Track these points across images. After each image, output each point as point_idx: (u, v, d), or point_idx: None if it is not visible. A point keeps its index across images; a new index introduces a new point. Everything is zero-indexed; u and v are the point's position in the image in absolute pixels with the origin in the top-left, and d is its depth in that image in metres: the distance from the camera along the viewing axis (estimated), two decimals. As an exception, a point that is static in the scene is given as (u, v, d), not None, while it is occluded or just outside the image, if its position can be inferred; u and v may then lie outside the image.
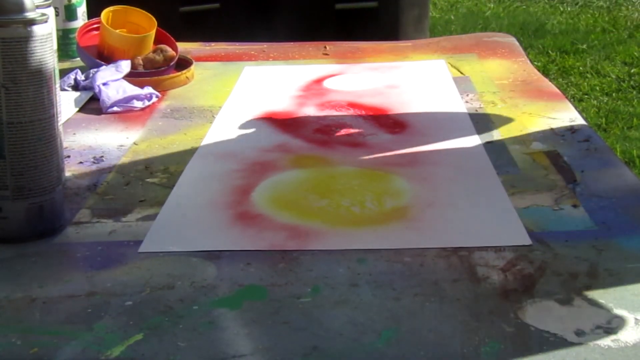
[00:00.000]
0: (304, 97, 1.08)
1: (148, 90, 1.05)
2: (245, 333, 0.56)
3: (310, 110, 1.03)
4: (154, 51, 1.16)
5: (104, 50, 1.16)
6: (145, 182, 0.82)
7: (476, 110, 1.01)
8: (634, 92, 3.52)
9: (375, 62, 1.24)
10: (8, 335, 0.55)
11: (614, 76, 3.71)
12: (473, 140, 0.91)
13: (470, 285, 0.61)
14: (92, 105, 1.04)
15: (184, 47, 1.24)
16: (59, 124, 0.70)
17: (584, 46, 4.10)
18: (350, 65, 1.23)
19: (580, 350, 0.53)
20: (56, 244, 0.69)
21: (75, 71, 1.11)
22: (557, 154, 0.86)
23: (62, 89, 1.06)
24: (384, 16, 1.52)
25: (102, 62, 1.12)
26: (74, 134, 0.95)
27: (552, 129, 0.93)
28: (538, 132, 0.93)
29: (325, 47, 1.32)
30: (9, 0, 0.66)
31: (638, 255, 0.65)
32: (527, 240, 0.68)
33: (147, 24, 1.18)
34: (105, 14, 1.17)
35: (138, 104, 1.04)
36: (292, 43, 1.35)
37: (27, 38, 0.66)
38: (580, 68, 3.84)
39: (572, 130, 0.93)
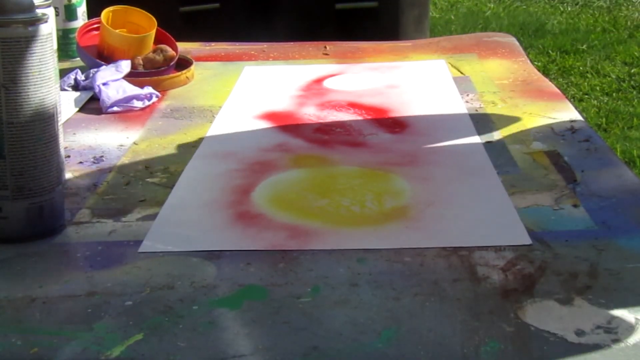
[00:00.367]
0: (304, 97, 1.08)
1: (148, 90, 1.05)
2: (245, 333, 0.56)
3: (310, 110, 1.03)
4: (154, 51, 1.16)
5: (104, 50, 1.16)
6: (145, 182, 0.82)
7: (476, 110, 1.01)
8: (634, 92, 3.52)
9: (375, 62, 1.24)
10: (8, 335, 0.55)
11: (614, 76, 3.71)
12: (473, 140, 0.91)
13: (470, 285, 0.61)
14: (92, 105, 1.04)
15: (184, 47, 1.24)
16: (59, 124, 0.70)
17: (584, 46, 4.10)
18: (350, 65, 1.23)
19: (580, 350, 0.53)
20: (56, 244, 0.69)
21: (75, 71, 1.11)
22: (557, 154, 0.86)
23: (62, 89, 1.06)
24: (384, 16, 1.52)
25: (102, 62, 1.12)
26: (74, 134, 0.95)
27: (552, 129, 0.93)
28: (538, 132, 0.93)
29: (325, 47, 1.32)
30: (9, 0, 0.66)
31: (638, 255, 0.65)
32: (527, 240, 0.68)
33: (147, 24, 1.18)
34: (105, 14, 1.17)
35: (138, 104, 1.04)
36: (292, 43, 1.35)
37: (27, 38, 0.66)
38: (581, 68, 3.84)
39: (572, 130, 0.93)
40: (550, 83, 1.12)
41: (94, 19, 1.20)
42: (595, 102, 3.40)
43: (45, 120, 0.68)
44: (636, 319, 0.56)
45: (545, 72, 3.63)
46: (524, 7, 4.93)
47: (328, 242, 0.68)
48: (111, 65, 1.09)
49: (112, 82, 1.06)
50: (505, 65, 1.20)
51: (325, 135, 0.94)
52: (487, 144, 0.90)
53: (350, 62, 1.25)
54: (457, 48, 1.31)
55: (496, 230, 0.70)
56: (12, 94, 0.66)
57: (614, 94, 3.50)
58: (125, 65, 1.09)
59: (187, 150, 0.90)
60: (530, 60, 1.24)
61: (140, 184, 0.81)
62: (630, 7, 4.84)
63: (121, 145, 0.92)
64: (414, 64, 1.22)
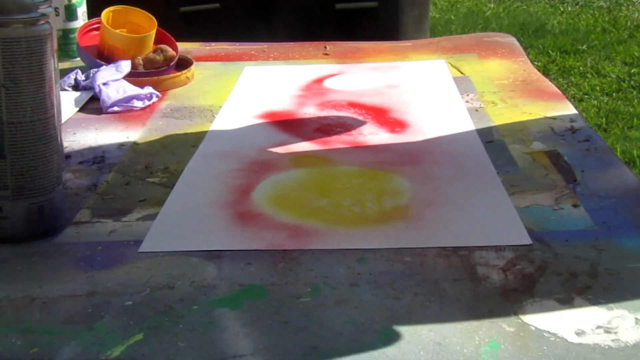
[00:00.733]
0: (304, 97, 1.08)
1: (148, 90, 1.06)
2: (245, 333, 0.56)
3: (310, 110, 1.03)
4: (154, 51, 1.16)
5: (104, 50, 1.16)
6: (145, 182, 0.82)
7: (476, 110, 1.01)
8: (634, 92, 3.52)
9: (375, 62, 1.24)
10: (8, 335, 0.56)
11: (614, 76, 3.71)
12: (473, 140, 0.91)
13: (470, 285, 0.61)
14: (92, 105, 1.04)
15: (184, 47, 1.24)
16: (59, 124, 0.70)
17: (584, 46, 4.10)
18: (351, 65, 1.23)
19: (580, 350, 0.53)
20: (56, 244, 0.69)
21: (75, 71, 1.11)
22: (557, 154, 0.86)
23: (62, 89, 1.06)
24: (384, 16, 1.52)
25: (102, 62, 1.12)
26: (74, 134, 0.95)
27: (552, 129, 0.93)
28: (538, 132, 0.93)
29: (325, 47, 1.32)
30: (9, 0, 0.66)
31: (638, 255, 0.65)
32: (527, 240, 0.68)
33: (147, 24, 1.19)
34: (106, 14, 1.17)
35: (138, 104, 1.04)
36: (292, 43, 1.35)
37: (27, 38, 0.66)
38: (581, 68, 3.84)
39: (572, 130, 0.93)
40: (550, 83, 1.12)
41: (94, 19, 1.20)
42: (595, 102, 3.40)
43: (45, 120, 0.68)
44: (636, 319, 0.56)
45: (545, 72, 3.63)
46: (524, 7, 4.93)
47: (328, 242, 0.68)
48: (111, 65, 1.09)
49: (113, 82, 1.06)
50: (505, 65, 1.20)
51: (325, 135, 0.94)
52: (487, 144, 0.90)
53: (350, 62, 1.25)
54: (457, 48, 1.31)
55: (496, 230, 0.70)
56: (12, 94, 0.66)
57: (614, 94, 3.50)
58: (125, 65, 1.09)
59: (187, 150, 0.90)
60: (530, 60, 1.24)
61: (140, 184, 0.81)
62: (630, 7, 4.84)
63: (121, 145, 0.92)
64: (414, 64, 1.22)
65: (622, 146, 2.90)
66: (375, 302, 0.59)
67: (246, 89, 1.12)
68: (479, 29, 4.29)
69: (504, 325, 0.56)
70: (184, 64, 1.17)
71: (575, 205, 0.74)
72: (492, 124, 0.96)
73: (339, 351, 0.53)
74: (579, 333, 0.55)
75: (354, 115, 1.00)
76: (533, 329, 0.55)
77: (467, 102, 1.04)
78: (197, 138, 0.93)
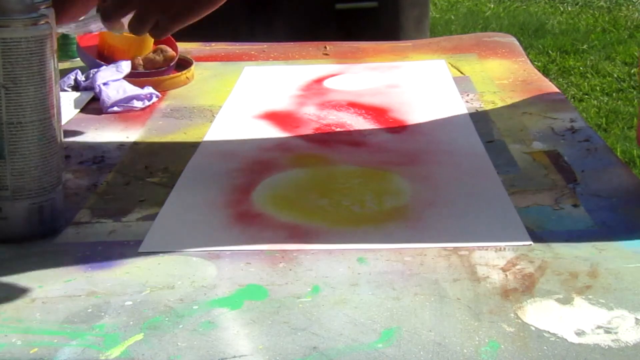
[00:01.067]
0: (304, 97, 1.08)
1: (148, 90, 1.06)
2: (245, 333, 0.56)
3: (310, 110, 1.03)
4: (154, 51, 1.16)
5: (104, 50, 1.16)
6: (145, 182, 0.82)
7: (476, 110, 1.01)
8: (634, 92, 3.52)
9: (375, 62, 1.24)
10: (8, 335, 0.55)
11: (614, 76, 3.71)
12: (473, 140, 0.91)
13: (470, 285, 0.61)
14: (92, 105, 1.04)
15: (184, 47, 1.24)
16: (59, 124, 0.70)
17: (584, 46, 4.10)
18: (351, 65, 1.23)
19: (580, 350, 0.53)
20: (56, 244, 0.69)
21: (75, 71, 1.11)
22: (557, 154, 0.86)
23: (62, 90, 1.06)
24: (384, 16, 1.51)
25: (102, 62, 1.12)
26: (74, 134, 0.95)
27: (552, 129, 0.93)
28: (538, 132, 0.93)
29: (325, 47, 1.32)
30: (9, 0, 0.66)
31: (638, 255, 0.65)
32: (528, 240, 0.68)
33: (147, 24, 1.18)
34: (105, 14, 1.17)
35: (138, 104, 1.04)
36: (292, 43, 1.35)
37: (27, 38, 0.66)
38: (581, 68, 3.84)
39: (572, 130, 0.93)
40: (550, 83, 1.12)
41: (94, 19, 1.20)
42: (595, 102, 3.40)
43: (45, 120, 0.68)
44: (636, 319, 0.56)
45: (545, 72, 3.63)
46: (524, 7, 4.93)
47: (328, 242, 0.68)
48: (111, 65, 1.09)
49: (113, 82, 1.06)
50: (505, 65, 1.20)
51: (325, 134, 0.94)
52: (487, 144, 0.90)
53: (350, 62, 1.24)
54: (457, 48, 1.31)
55: (496, 230, 0.70)
56: (12, 94, 0.66)
57: (614, 94, 3.50)
58: (125, 66, 1.09)
59: (187, 150, 0.90)
60: (530, 61, 1.24)
61: (140, 184, 0.81)
62: (630, 7, 4.84)
63: (121, 145, 0.92)
64: (414, 64, 1.22)
65: (622, 146, 2.90)
66: (375, 302, 0.59)
67: (246, 89, 1.12)
68: (479, 29, 4.29)
69: (504, 325, 0.56)
70: (184, 64, 1.17)
71: (575, 205, 0.74)
72: (492, 124, 0.96)
73: (339, 351, 0.53)
74: (579, 333, 0.55)
75: (354, 115, 1.00)
76: (533, 329, 0.55)
77: (467, 102, 1.04)
78: (197, 138, 0.93)
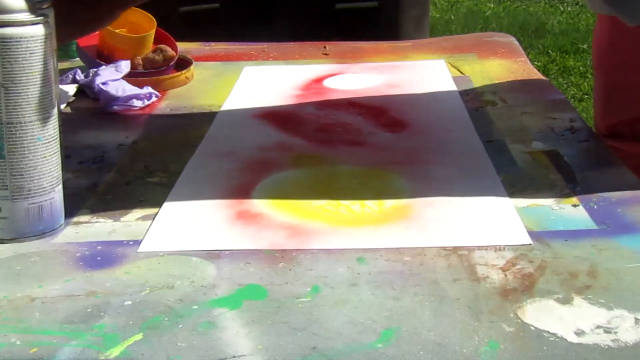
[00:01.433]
0: (304, 97, 1.08)
1: (148, 90, 1.06)
2: (245, 333, 0.56)
3: (310, 110, 1.03)
4: (154, 51, 1.16)
5: (104, 50, 1.16)
6: (144, 182, 0.82)
7: (476, 110, 1.01)
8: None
9: (375, 62, 1.24)
10: (8, 335, 0.55)
11: (614, 76, 3.70)
12: (473, 140, 0.91)
13: (470, 285, 0.61)
14: (92, 105, 1.04)
15: (183, 47, 1.24)
16: (59, 124, 0.70)
17: (585, 46, 4.10)
18: (350, 65, 1.23)
19: (580, 350, 0.53)
20: (56, 243, 0.69)
21: (74, 71, 1.10)
22: (557, 154, 0.86)
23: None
24: (384, 16, 1.51)
25: (102, 62, 1.12)
26: (74, 134, 0.95)
27: (552, 129, 0.93)
28: (538, 132, 0.93)
29: (325, 47, 1.32)
30: (9, 0, 0.66)
31: (638, 255, 0.65)
32: (527, 240, 0.68)
33: (147, 24, 1.18)
34: (105, 13, 1.17)
35: (138, 104, 1.04)
36: (292, 43, 1.35)
37: (27, 38, 0.66)
38: (581, 68, 3.84)
39: (572, 130, 0.93)
40: (550, 83, 1.12)
41: (93, 19, 1.20)
42: (595, 102, 3.39)
43: (45, 120, 0.68)
44: (636, 319, 0.56)
45: (545, 72, 3.63)
46: (524, 7, 4.93)
47: (328, 241, 0.68)
48: (111, 65, 1.09)
49: (112, 81, 1.06)
50: (505, 65, 1.20)
51: (325, 134, 0.94)
52: (487, 144, 0.90)
53: (350, 62, 1.24)
54: (457, 48, 1.31)
55: (496, 230, 0.70)
56: (12, 94, 0.66)
57: (614, 94, 3.49)
58: (125, 66, 1.09)
59: (187, 149, 0.90)
60: (530, 60, 1.24)
61: (140, 184, 0.81)
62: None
63: (121, 145, 0.92)
64: (414, 64, 1.22)
65: (622, 146, 2.89)
66: (375, 302, 0.59)
67: (246, 89, 1.12)
68: (479, 29, 4.29)
69: (504, 325, 0.56)
70: (183, 64, 1.17)
71: (575, 205, 0.74)
72: (492, 124, 0.96)
73: (338, 351, 0.53)
74: (579, 333, 0.55)
75: (354, 115, 1.00)
76: (533, 329, 0.55)
77: (467, 102, 1.04)
78: (196, 138, 0.93)
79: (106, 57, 1.14)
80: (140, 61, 1.14)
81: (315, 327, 0.56)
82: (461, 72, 1.18)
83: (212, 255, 0.66)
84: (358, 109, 1.03)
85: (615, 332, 0.55)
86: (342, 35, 1.39)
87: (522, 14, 4.74)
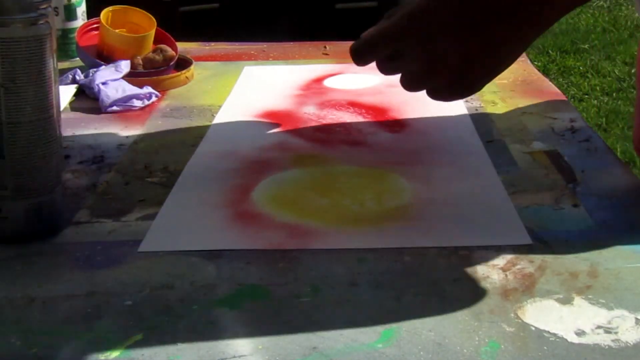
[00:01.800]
0: (303, 96, 1.08)
1: (147, 89, 1.05)
2: (245, 333, 0.56)
3: (310, 109, 1.03)
4: (154, 51, 1.16)
5: (104, 50, 1.16)
6: (145, 182, 0.82)
7: (476, 110, 1.01)
8: (634, 92, 3.52)
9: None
10: (8, 335, 0.55)
11: (614, 76, 3.71)
12: (473, 140, 0.91)
13: (470, 285, 0.61)
14: (92, 105, 1.04)
15: (183, 47, 1.24)
16: (59, 123, 0.70)
17: (585, 46, 4.10)
18: (350, 65, 1.22)
19: (580, 350, 0.53)
20: (56, 244, 0.69)
21: (74, 71, 1.10)
22: (557, 154, 0.86)
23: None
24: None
25: (102, 62, 1.11)
26: (74, 133, 0.95)
27: (552, 129, 0.93)
28: (538, 132, 0.93)
29: (325, 47, 1.32)
30: (9, 0, 0.66)
31: (638, 255, 0.65)
32: (527, 240, 0.68)
33: (146, 23, 1.18)
34: (105, 13, 1.17)
35: (137, 103, 1.04)
36: (292, 43, 1.35)
37: (27, 38, 0.66)
38: (581, 68, 3.84)
39: (572, 130, 0.93)
40: (550, 83, 1.12)
41: (93, 19, 1.20)
42: (595, 102, 3.40)
43: (45, 120, 0.68)
44: (636, 319, 0.56)
45: (545, 72, 3.63)
46: (524, 7, 4.92)
47: (328, 241, 0.68)
48: (111, 65, 1.09)
49: (112, 81, 1.06)
50: (505, 65, 1.20)
51: (325, 134, 0.94)
52: (487, 144, 0.89)
53: (350, 62, 1.24)
54: (457, 48, 1.30)
55: (496, 229, 0.70)
56: (12, 94, 0.66)
57: (614, 94, 3.50)
58: (124, 65, 1.09)
59: (187, 149, 0.90)
60: (530, 60, 1.24)
61: (140, 184, 0.81)
62: (630, 6, 4.84)
63: (121, 145, 0.92)
64: (414, 64, 1.22)
65: (622, 146, 2.90)
66: (375, 302, 0.59)
67: (246, 89, 1.12)
68: (479, 29, 4.28)
69: (504, 325, 0.56)
70: (183, 63, 1.17)
71: (575, 205, 0.74)
72: (492, 124, 0.96)
73: (339, 351, 0.53)
74: (579, 333, 0.55)
75: (354, 115, 1.00)
76: (533, 329, 0.55)
77: (466, 101, 1.04)
78: (196, 138, 0.93)
79: (106, 57, 1.14)
80: (140, 61, 1.13)
81: (316, 327, 0.56)
82: (461, 72, 1.17)
83: (212, 255, 0.66)
84: (358, 109, 1.03)
85: (616, 332, 0.55)
86: (342, 35, 1.39)
87: (522, 14, 4.73)
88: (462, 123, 0.96)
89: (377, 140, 0.92)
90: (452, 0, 0.73)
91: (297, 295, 0.60)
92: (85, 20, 1.24)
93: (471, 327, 0.56)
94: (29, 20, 0.66)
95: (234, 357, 0.53)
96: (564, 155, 0.86)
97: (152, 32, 1.18)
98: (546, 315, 0.57)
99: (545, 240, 0.68)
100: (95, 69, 1.09)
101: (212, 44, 1.35)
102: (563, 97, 1.06)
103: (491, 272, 0.63)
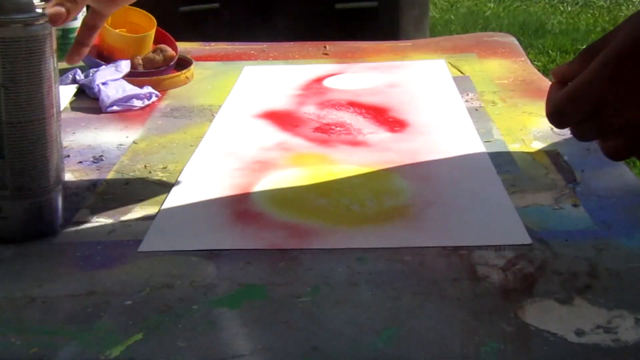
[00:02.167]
0: (304, 96, 1.08)
1: (147, 89, 1.05)
2: (245, 333, 0.56)
3: (310, 109, 1.03)
4: (154, 51, 1.16)
5: (104, 50, 1.16)
6: (145, 182, 0.82)
7: (476, 110, 1.01)
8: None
9: (375, 62, 1.24)
10: (8, 335, 0.55)
11: (614, 76, 3.70)
12: (473, 140, 0.91)
13: (470, 285, 0.61)
14: (92, 105, 1.04)
15: (183, 47, 1.24)
16: (59, 123, 0.70)
17: (585, 46, 4.10)
18: (350, 65, 1.22)
19: (580, 350, 0.53)
20: (56, 243, 0.69)
21: (74, 71, 1.10)
22: (557, 154, 0.86)
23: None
24: (384, 16, 1.51)
25: (102, 62, 1.12)
26: (74, 133, 0.95)
27: (552, 129, 0.93)
28: (538, 132, 0.93)
29: (325, 47, 1.32)
30: (9, 0, 0.66)
31: (638, 255, 0.65)
32: (527, 240, 0.68)
33: (147, 23, 1.18)
34: (105, 13, 1.17)
35: (138, 103, 1.04)
36: (292, 43, 1.35)
37: (27, 38, 0.66)
38: (581, 68, 3.83)
39: (572, 129, 0.93)
40: (550, 83, 1.12)
41: (93, 19, 1.20)
42: (595, 102, 3.38)
43: (45, 120, 0.68)
44: (636, 319, 0.56)
45: (545, 72, 3.62)
46: (524, 7, 4.93)
47: (328, 241, 0.68)
48: (111, 65, 1.09)
49: (112, 81, 1.06)
50: (505, 65, 1.20)
51: (325, 134, 0.94)
52: (487, 144, 0.90)
53: (350, 62, 1.24)
54: (457, 48, 1.31)
55: (496, 229, 0.70)
56: (12, 94, 0.66)
57: (614, 94, 3.49)
58: (124, 65, 1.09)
59: (187, 149, 0.90)
60: (530, 60, 1.24)
61: (140, 184, 0.81)
62: (630, 6, 4.84)
63: (121, 145, 0.92)
64: (414, 64, 1.22)
65: (622, 146, 2.89)
66: (375, 302, 0.59)
67: (246, 89, 1.12)
68: (479, 29, 4.29)
69: (504, 325, 0.56)
70: (183, 63, 1.17)
71: (575, 205, 0.74)
72: (492, 124, 0.96)
73: (338, 351, 0.53)
74: (579, 333, 0.55)
75: (354, 115, 1.00)
76: (533, 329, 0.55)
77: (467, 102, 1.04)
78: (196, 138, 0.93)
79: (106, 57, 1.14)
80: (140, 61, 1.14)
81: (316, 327, 0.56)
82: (461, 72, 1.18)
83: (212, 254, 0.66)
84: (358, 108, 1.03)
85: (616, 332, 0.55)
86: (342, 35, 1.39)
87: (522, 14, 4.74)
88: (462, 123, 0.96)
89: (377, 140, 0.92)
90: None
91: (297, 294, 0.60)
92: (85, 20, 1.24)
93: (471, 327, 0.56)
94: (29, 20, 0.66)
95: (234, 357, 0.53)
96: (564, 155, 0.86)
97: (152, 32, 1.18)
98: (546, 315, 0.57)
99: (545, 240, 0.68)
100: (95, 69, 1.09)
101: (212, 44, 1.35)
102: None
103: (491, 272, 0.63)
